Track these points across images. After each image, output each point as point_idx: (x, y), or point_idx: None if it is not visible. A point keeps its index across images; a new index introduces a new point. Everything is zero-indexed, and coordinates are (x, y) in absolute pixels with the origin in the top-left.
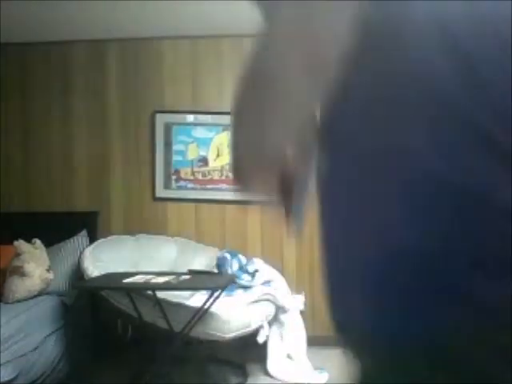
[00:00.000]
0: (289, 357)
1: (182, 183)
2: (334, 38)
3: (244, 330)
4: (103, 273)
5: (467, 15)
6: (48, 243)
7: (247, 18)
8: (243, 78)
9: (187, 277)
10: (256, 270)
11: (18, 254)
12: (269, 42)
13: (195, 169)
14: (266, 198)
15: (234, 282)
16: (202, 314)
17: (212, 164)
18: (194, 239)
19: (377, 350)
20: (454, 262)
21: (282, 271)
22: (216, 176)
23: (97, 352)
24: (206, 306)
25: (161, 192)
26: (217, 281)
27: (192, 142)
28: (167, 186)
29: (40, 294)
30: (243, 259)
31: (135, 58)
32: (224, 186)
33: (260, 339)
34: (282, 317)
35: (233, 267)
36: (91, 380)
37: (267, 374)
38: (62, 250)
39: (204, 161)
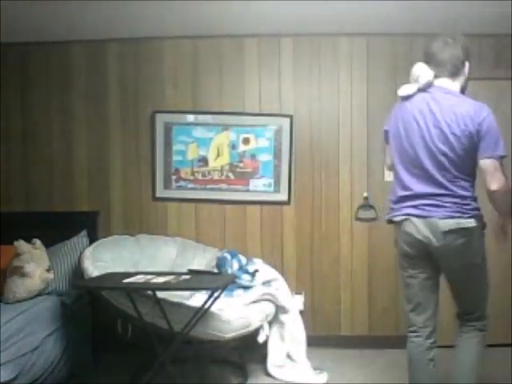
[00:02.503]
0: (289, 357)
1: (181, 183)
2: None
3: (244, 330)
4: (103, 273)
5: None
6: (48, 243)
7: (247, 17)
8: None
9: (187, 277)
10: (256, 270)
11: (18, 254)
12: None
13: (195, 169)
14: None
15: (234, 282)
16: (201, 314)
17: (212, 164)
18: (194, 239)
19: None
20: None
21: (282, 271)
22: (216, 176)
23: (97, 352)
24: (206, 306)
25: (161, 192)
26: (217, 281)
27: (192, 142)
28: (167, 185)
29: (40, 294)
30: (243, 259)
31: (135, 57)
32: (224, 185)
33: (260, 339)
34: (282, 317)
35: (233, 267)
36: (91, 380)
37: (267, 374)
38: (62, 250)
39: (204, 161)
